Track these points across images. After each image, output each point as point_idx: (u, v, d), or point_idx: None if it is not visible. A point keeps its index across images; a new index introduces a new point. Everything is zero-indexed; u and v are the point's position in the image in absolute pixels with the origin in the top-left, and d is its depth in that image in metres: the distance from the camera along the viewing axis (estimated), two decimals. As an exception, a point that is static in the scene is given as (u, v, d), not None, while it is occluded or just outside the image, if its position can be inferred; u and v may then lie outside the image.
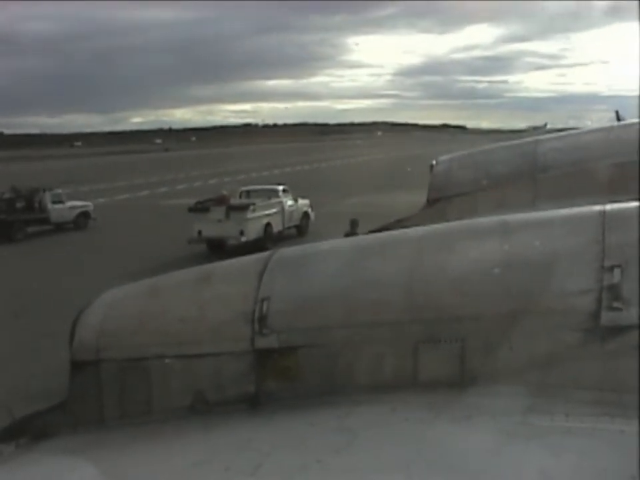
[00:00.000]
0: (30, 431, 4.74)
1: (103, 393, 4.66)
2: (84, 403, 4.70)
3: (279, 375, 4.21)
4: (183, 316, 4.53)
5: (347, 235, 13.38)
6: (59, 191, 37.74)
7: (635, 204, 3.96)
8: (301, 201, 33.10)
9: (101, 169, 72.15)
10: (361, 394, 3.89)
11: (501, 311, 3.77)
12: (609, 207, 4.00)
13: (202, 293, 4.66)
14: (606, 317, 3.54)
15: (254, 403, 4.23)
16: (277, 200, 31.25)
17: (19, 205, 34.94)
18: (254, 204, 29.82)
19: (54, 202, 36.01)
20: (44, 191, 36.24)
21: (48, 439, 4.60)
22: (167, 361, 4.50)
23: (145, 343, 4.58)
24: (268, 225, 29.78)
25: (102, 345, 4.70)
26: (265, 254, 4.76)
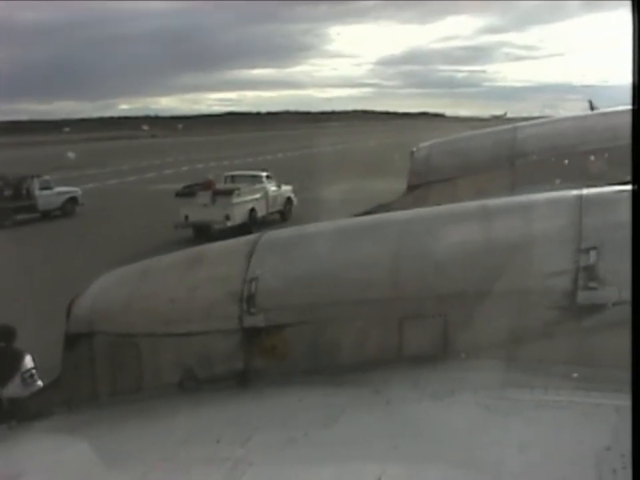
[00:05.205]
0: (23, 413, 4.82)
1: (95, 367, 4.76)
2: (76, 373, 4.79)
3: (266, 352, 4.33)
4: (174, 296, 4.63)
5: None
6: (47, 177, 37.91)
7: (610, 189, 4.11)
8: (284, 187, 33.14)
9: (89, 154, 70.96)
10: (347, 372, 4.01)
11: (482, 290, 3.91)
12: (585, 191, 4.15)
13: (192, 274, 4.76)
14: (582, 296, 3.70)
15: (243, 380, 4.34)
16: (260, 185, 31.37)
17: (7, 192, 35.32)
18: (239, 189, 29.88)
19: (42, 188, 36.36)
20: (32, 177, 36.48)
21: (41, 419, 4.69)
22: (157, 339, 4.59)
23: (136, 322, 4.68)
24: (252, 209, 29.87)
25: (95, 320, 4.80)
26: (253, 236, 4.87)
